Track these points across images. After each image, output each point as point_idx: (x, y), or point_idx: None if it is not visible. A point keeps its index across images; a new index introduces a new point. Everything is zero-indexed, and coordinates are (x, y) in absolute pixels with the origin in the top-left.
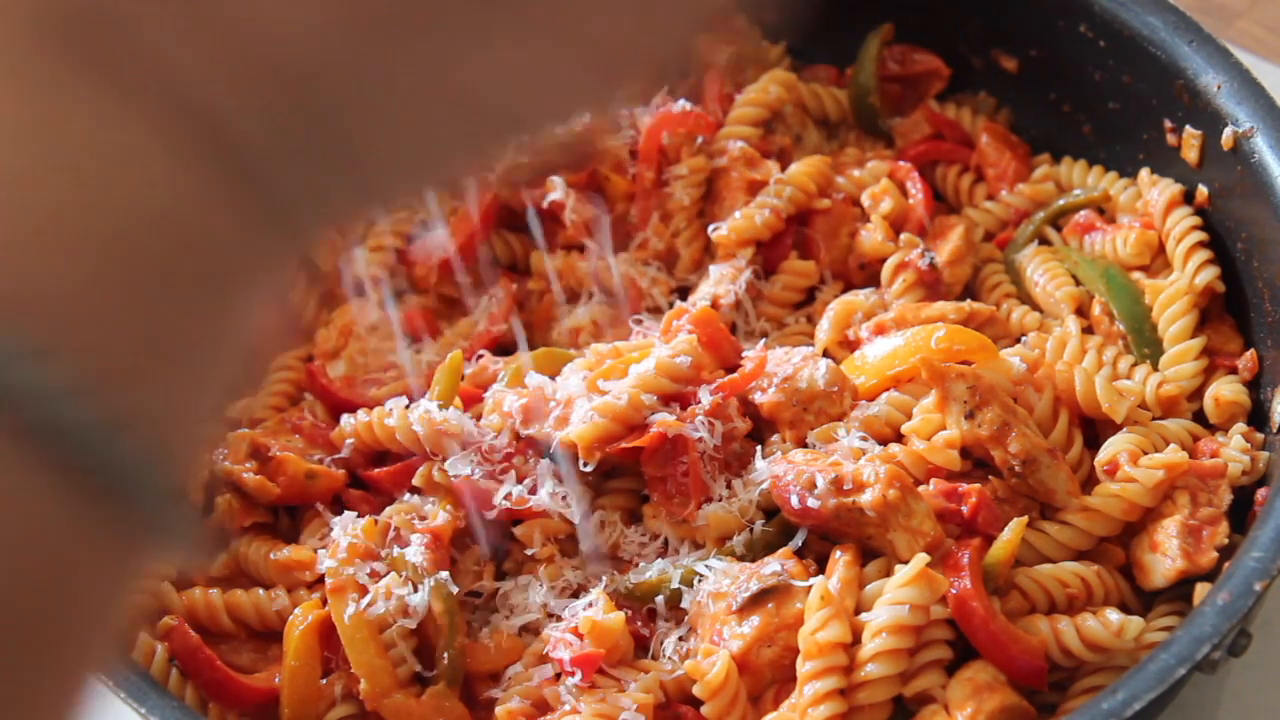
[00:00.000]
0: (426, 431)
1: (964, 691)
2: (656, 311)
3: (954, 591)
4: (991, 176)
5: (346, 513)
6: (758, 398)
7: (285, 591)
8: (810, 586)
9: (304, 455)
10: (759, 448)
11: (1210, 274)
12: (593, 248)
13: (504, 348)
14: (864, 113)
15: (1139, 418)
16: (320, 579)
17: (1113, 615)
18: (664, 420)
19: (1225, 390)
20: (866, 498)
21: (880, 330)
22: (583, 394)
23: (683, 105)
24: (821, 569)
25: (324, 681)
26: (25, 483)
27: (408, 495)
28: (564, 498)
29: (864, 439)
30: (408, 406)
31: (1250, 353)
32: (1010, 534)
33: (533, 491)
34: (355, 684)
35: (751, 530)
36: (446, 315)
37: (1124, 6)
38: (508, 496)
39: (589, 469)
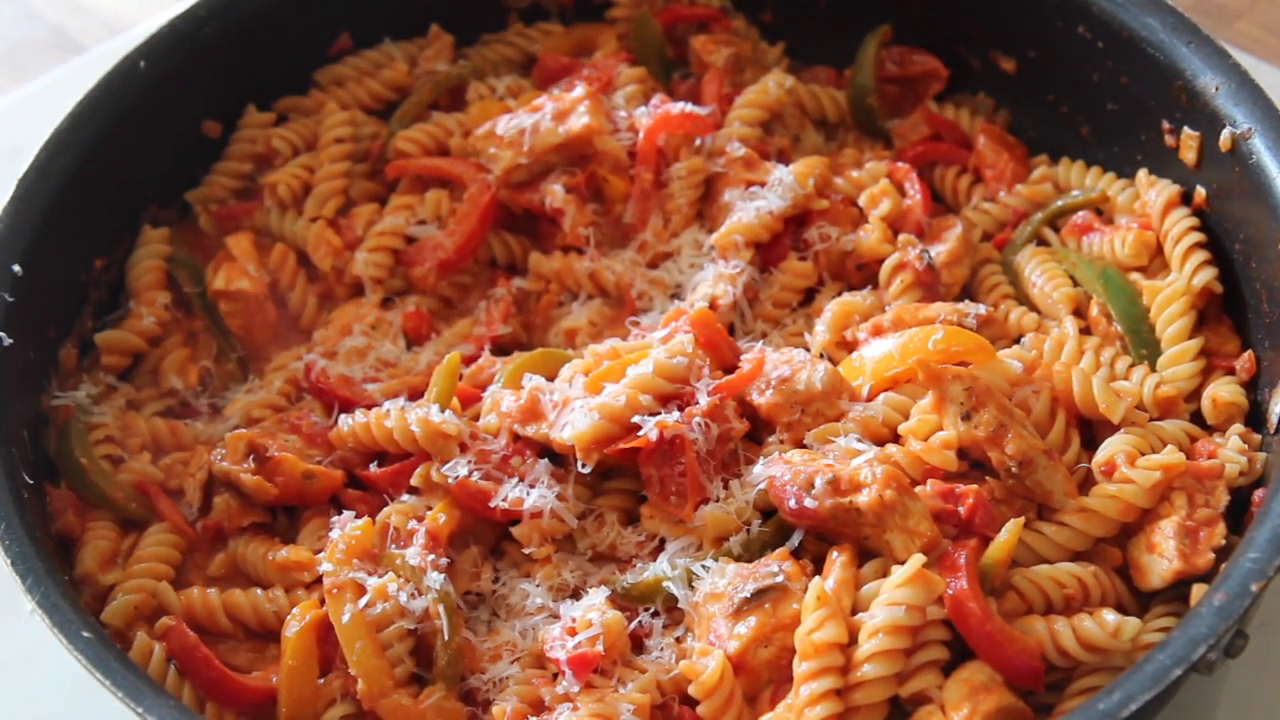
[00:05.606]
0: (424, 433)
1: (960, 692)
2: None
3: (950, 592)
4: (990, 177)
5: (345, 513)
6: (756, 399)
7: (283, 591)
8: (807, 587)
9: (302, 455)
10: (761, 451)
11: (1208, 275)
12: (591, 250)
13: (502, 348)
14: (862, 114)
15: (1136, 419)
16: (318, 579)
17: (1109, 616)
18: (663, 421)
19: (1223, 391)
20: (863, 498)
21: (878, 331)
22: (581, 395)
23: (682, 107)
24: (818, 570)
25: (321, 681)
26: None
27: (406, 495)
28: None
29: (861, 440)
30: (404, 407)
31: (1248, 353)
32: (1007, 535)
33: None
34: (353, 684)
35: (748, 531)
36: (445, 316)
37: (1122, 7)
38: (505, 498)
39: (587, 470)
